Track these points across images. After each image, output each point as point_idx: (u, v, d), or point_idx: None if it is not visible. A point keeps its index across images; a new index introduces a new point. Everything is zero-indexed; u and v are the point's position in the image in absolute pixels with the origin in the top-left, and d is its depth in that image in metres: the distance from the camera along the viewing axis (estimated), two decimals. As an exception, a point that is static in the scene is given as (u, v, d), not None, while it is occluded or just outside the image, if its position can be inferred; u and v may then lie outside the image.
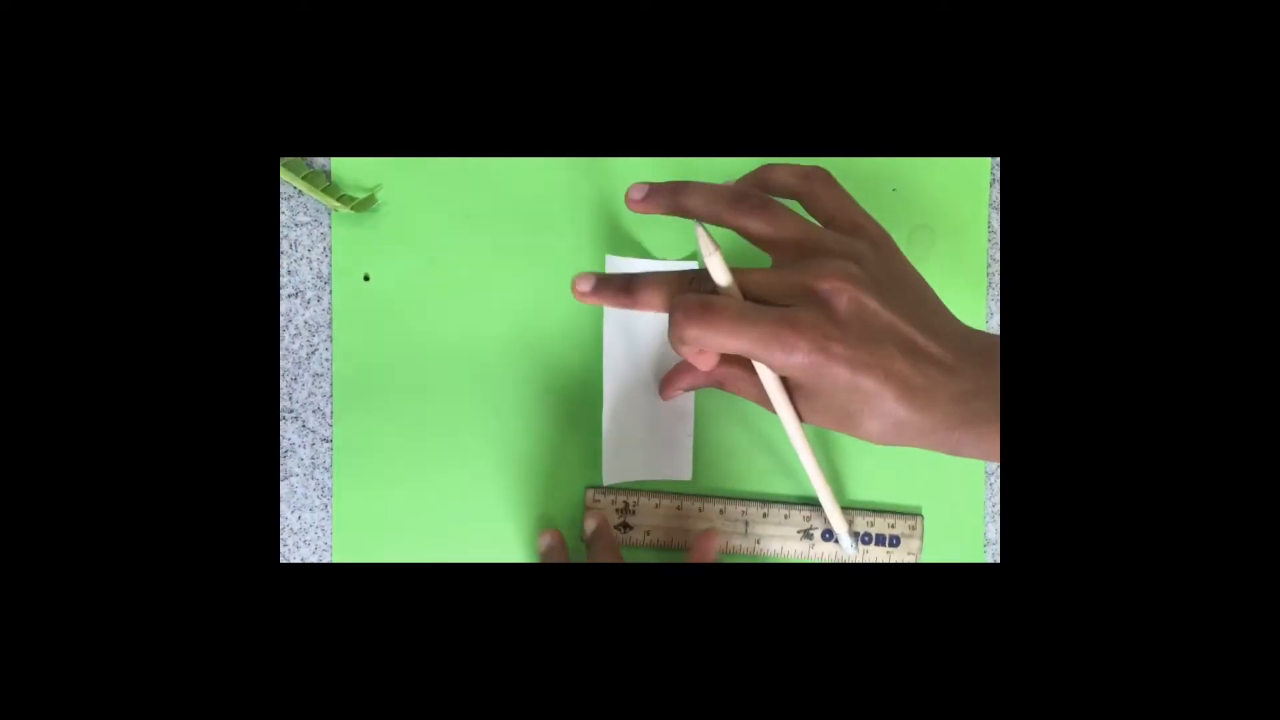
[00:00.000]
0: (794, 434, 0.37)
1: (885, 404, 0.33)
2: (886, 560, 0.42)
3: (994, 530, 0.44)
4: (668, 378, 0.41)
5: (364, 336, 0.43)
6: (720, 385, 0.39)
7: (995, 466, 0.44)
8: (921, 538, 0.42)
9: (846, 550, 0.42)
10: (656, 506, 0.41)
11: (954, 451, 0.34)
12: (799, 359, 0.33)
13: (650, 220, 0.43)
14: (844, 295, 0.33)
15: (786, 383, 0.36)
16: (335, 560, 0.43)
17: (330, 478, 0.43)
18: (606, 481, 0.42)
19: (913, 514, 0.42)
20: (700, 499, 0.42)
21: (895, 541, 0.41)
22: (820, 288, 0.33)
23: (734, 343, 0.34)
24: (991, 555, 0.43)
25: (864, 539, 0.42)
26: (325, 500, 0.43)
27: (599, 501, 0.41)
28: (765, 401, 0.37)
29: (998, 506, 0.44)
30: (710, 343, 0.34)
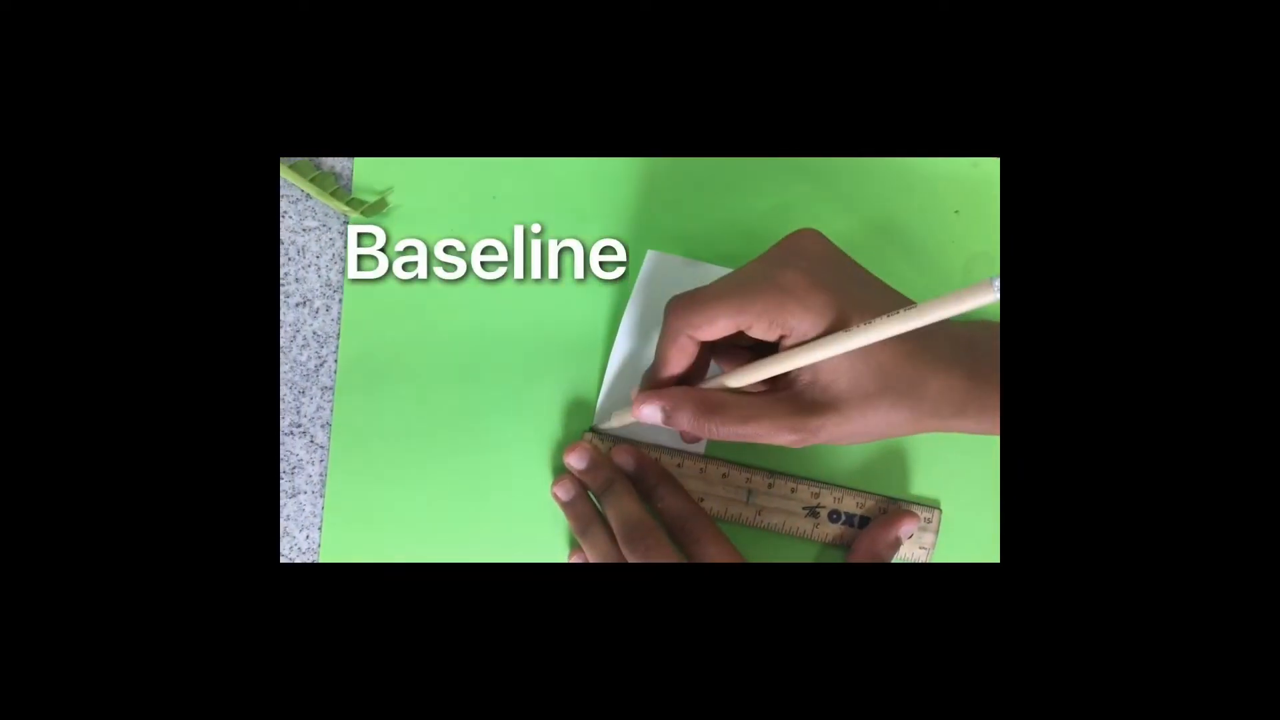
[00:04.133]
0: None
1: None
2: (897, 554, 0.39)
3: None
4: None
5: (372, 320, 0.40)
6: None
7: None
8: (936, 532, 0.39)
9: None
10: (657, 459, 0.39)
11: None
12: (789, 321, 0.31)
13: (686, 218, 0.40)
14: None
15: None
16: (323, 558, 0.40)
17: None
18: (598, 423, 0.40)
19: (930, 506, 0.39)
20: (703, 459, 0.39)
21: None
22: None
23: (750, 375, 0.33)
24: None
25: (858, 522, 0.39)
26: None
27: (597, 447, 0.39)
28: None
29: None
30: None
